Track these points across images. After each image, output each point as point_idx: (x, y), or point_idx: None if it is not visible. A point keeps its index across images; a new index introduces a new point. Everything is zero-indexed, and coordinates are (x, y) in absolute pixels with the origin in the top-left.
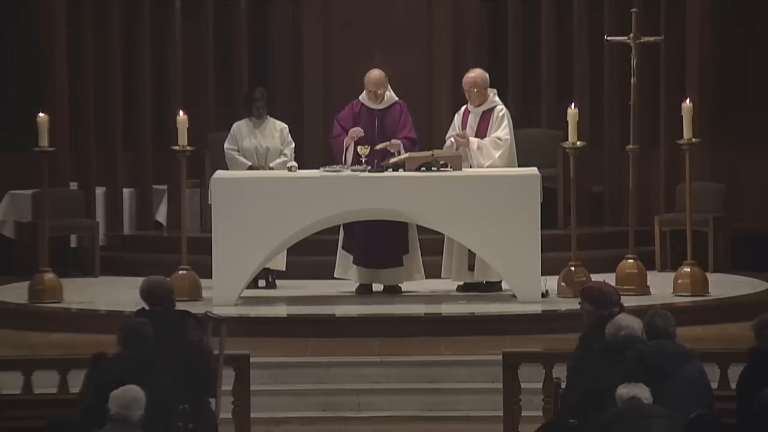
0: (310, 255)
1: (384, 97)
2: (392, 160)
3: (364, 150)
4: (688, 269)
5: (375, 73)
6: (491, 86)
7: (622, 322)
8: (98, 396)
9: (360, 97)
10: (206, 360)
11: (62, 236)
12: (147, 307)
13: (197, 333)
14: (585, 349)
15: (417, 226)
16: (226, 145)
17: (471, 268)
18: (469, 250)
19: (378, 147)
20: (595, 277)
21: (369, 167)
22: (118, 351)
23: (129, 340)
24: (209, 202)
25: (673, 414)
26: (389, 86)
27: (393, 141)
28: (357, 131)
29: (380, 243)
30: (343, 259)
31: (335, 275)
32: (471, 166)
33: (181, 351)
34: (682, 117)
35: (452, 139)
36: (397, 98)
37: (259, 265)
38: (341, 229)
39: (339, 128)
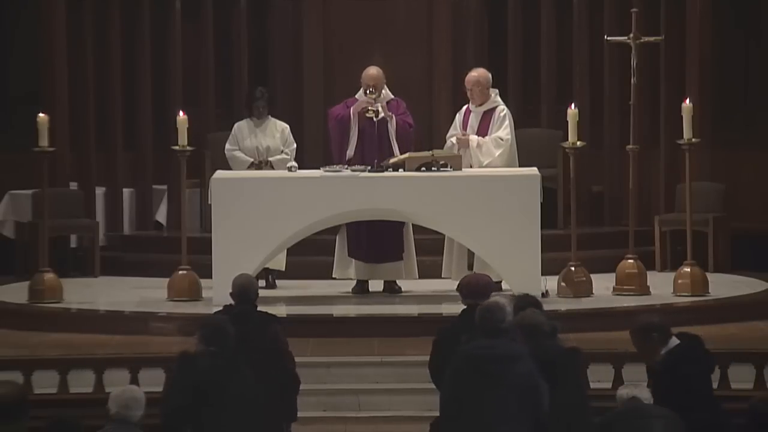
0: (310, 255)
1: (380, 95)
2: (392, 160)
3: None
4: (688, 269)
5: (372, 70)
6: (492, 87)
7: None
8: (187, 395)
9: (356, 95)
10: (294, 368)
11: (62, 236)
12: (234, 304)
13: (285, 340)
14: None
15: (416, 227)
16: (226, 146)
17: (470, 267)
18: (469, 249)
19: (372, 107)
20: (596, 278)
21: (369, 167)
22: (201, 349)
23: (213, 337)
24: (209, 202)
25: (673, 414)
26: (386, 86)
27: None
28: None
29: (380, 237)
30: (341, 260)
31: (334, 275)
32: (471, 165)
33: (273, 355)
34: (682, 117)
35: (453, 139)
36: (392, 95)
37: (259, 265)
38: (344, 231)
39: (334, 119)
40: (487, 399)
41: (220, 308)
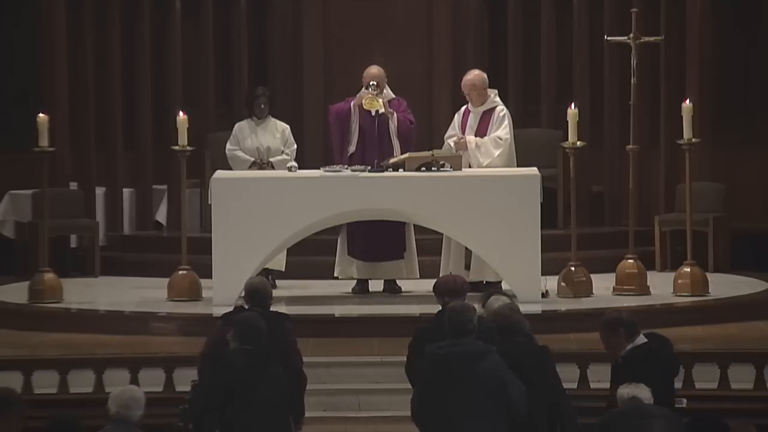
0: (310, 255)
1: (382, 93)
2: (392, 160)
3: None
4: (688, 269)
5: (374, 69)
6: (491, 86)
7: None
8: (219, 394)
9: (357, 95)
10: (301, 366)
11: (62, 236)
12: (246, 306)
13: (294, 339)
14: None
15: (416, 226)
16: (227, 146)
17: (467, 267)
18: (466, 249)
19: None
20: (596, 278)
21: (369, 167)
22: (235, 347)
23: (248, 335)
24: (209, 202)
25: (673, 414)
26: (387, 85)
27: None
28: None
29: (381, 235)
30: (343, 259)
31: (336, 275)
32: (470, 166)
33: (286, 353)
34: (682, 117)
35: (451, 142)
36: (393, 95)
37: (259, 265)
38: (345, 230)
39: (333, 114)
40: (453, 398)
41: (231, 308)
